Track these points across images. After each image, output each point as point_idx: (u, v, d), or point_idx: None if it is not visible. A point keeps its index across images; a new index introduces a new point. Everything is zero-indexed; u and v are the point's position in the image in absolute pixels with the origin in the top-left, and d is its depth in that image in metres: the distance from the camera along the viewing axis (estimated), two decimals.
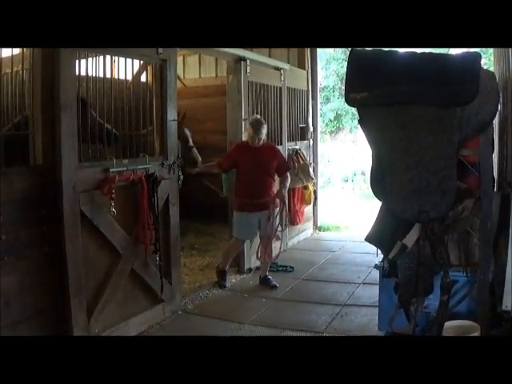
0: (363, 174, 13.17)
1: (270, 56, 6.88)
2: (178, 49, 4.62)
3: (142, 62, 4.47)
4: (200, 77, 7.86)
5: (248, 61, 5.76)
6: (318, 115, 8.50)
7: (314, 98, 8.09)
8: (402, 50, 3.16)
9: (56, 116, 3.32)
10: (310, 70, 7.92)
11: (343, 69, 13.77)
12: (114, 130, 3.94)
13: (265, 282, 5.31)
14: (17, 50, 3.37)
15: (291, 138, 7.12)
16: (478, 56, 2.98)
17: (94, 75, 3.92)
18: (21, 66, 3.31)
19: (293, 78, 7.14)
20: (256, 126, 5.06)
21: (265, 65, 6.35)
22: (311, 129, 7.86)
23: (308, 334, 4.02)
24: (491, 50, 7.62)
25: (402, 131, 3.05)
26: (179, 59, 6.58)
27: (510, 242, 3.03)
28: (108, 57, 3.89)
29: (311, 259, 6.31)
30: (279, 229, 5.40)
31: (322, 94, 14.83)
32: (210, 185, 6.24)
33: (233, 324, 4.27)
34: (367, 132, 3.17)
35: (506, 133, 3.64)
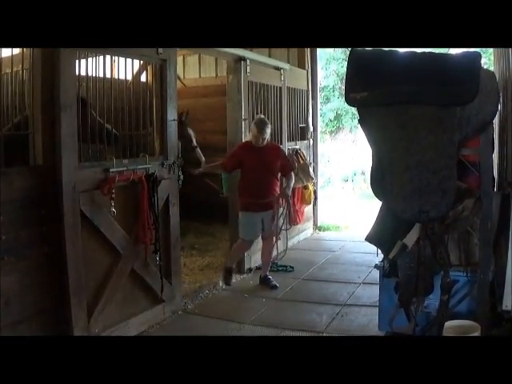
0: (363, 173, 13.18)
1: (269, 56, 6.88)
2: (177, 49, 4.62)
3: (141, 61, 4.47)
4: (200, 77, 7.86)
5: (248, 61, 5.76)
6: (318, 115, 8.50)
7: (314, 97, 8.09)
8: (402, 50, 3.16)
9: (56, 116, 3.32)
10: (309, 70, 7.91)
11: (343, 68, 13.78)
12: (114, 131, 3.95)
13: (265, 282, 5.32)
14: (17, 50, 3.37)
15: (291, 138, 7.12)
16: (478, 56, 2.98)
17: (93, 75, 3.92)
18: (21, 65, 3.31)
19: (293, 78, 7.13)
20: (260, 126, 5.06)
21: (265, 65, 6.35)
22: (311, 128, 7.86)
23: (308, 334, 4.02)
24: (491, 50, 7.62)
25: (403, 131, 3.05)
26: (179, 59, 6.58)
27: (510, 241, 3.03)
28: (108, 57, 3.89)
29: (311, 259, 6.31)
30: (283, 228, 5.42)
31: (322, 94, 14.84)
32: (211, 183, 6.23)
33: (233, 324, 4.27)
34: (367, 132, 3.17)
35: (506, 132, 3.64)
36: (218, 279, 5.40)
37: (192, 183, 5.19)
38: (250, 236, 5.25)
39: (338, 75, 15.52)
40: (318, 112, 8.51)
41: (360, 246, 6.21)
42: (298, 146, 7.10)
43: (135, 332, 3.99)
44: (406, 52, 3.14)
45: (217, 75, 7.68)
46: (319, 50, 8.75)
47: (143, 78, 4.88)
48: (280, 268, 5.80)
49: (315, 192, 7.54)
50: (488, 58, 9.70)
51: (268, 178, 5.17)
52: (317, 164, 8.22)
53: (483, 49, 7.82)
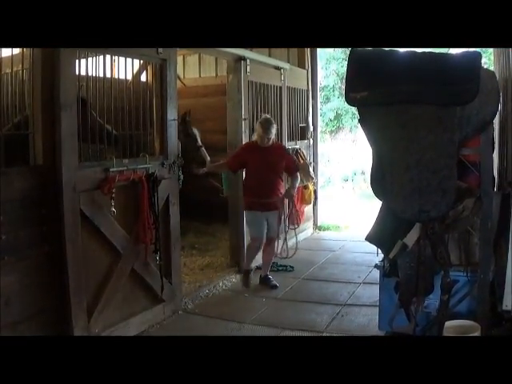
0: (363, 173, 13.18)
1: (269, 55, 6.87)
2: (178, 48, 4.62)
3: (141, 61, 4.47)
4: (200, 76, 7.85)
5: (248, 60, 5.76)
6: (318, 115, 8.50)
7: (314, 97, 8.09)
8: (402, 50, 3.16)
9: (56, 116, 3.32)
10: (310, 70, 7.91)
11: (343, 68, 13.78)
12: (114, 132, 3.94)
13: (265, 282, 5.32)
14: (17, 50, 3.37)
15: (291, 138, 7.12)
16: (479, 55, 2.98)
17: (94, 75, 3.92)
18: (21, 65, 3.31)
19: (293, 78, 7.13)
20: (265, 126, 5.06)
21: (265, 64, 6.35)
22: (311, 128, 7.86)
23: (308, 334, 4.02)
24: (491, 50, 7.61)
25: (403, 130, 3.04)
26: (179, 59, 6.57)
27: (510, 241, 3.03)
28: (108, 56, 3.89)
29: (311, 259, 6.31)
30: (291, 227, 5.44)
31: (322, 94, 14.83)
32: (215, 183, 6.22)
33: (233, 323, 4.27)
34: (367, 131, 3.17)
35: (506, 132, 3.64)
36: (218, 279, 5.40)
37: (192, 183, 5.19)
38: (257, 233, 5.21)
39: (338, 75, 15.52)
40: (318, 112, 8.51)
41: (360, 246, 6.21)
42: (298, 146, 7.10)
43: (135, 332, 3.99)
44: (406, 52, 3.14)
45: (217, 75, 7.67)
46: (319, 50, 8.74)
47: (143, 78, 4.88)
48: (280, 268, 5.81)
49: (315, 192, 7.53)
50: (488, 58, 9.69)
51: (272, 177, 5.16)
52: (317, 164, 8.22)
53: (483, 49, 7.81)
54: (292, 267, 5.84)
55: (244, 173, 5.41)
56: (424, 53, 3.08)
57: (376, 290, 3.90)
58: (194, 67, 7.85)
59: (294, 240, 5.59)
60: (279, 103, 6.73)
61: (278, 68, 6.66)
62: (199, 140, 5.58)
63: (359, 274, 5.61)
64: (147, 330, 4.10)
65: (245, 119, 5.72)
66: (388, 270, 3.45)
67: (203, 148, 5.55)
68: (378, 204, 3.36)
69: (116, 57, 3.99)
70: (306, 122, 7.71)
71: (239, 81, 5.70)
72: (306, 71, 7.79)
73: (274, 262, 5.61)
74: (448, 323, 3.13)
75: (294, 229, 5.60)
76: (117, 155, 3.85)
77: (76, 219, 3.44)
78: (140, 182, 3.91)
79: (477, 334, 2.99)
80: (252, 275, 5.33)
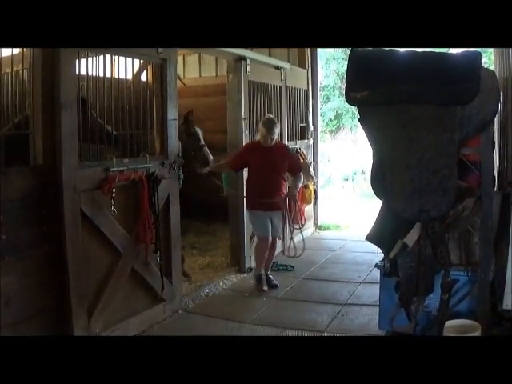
0: (363, 173, 13.19)
1: (270, 55, 6.87)
2: (178, 48, 4.62)
3: (142, 61, 4.47)
4: (200, 76, 7.84)
5: (248, 60, 5.76)
6: (318, 114, 8.49)
7: (314, 97, 8.09)
8: (402, 50, 3.16)
9: (56, 116, 3.32)
10: (310, 69, 7.91)
11: (343, 68, 13.76)
12: (114, 132, 3.94)
13: (265, 281, 5.30)
14: (17, 50, 3.37)
15: (291, 137, 7.11)
16: (479, 55, 2.98)
17: (94, 75, 3.92)
18: (21, 65, 3.31)
19: (293, 77, 7.13)
20: (269, 126, 5.05)
21: (265, 64, 6.34)
22: (311, 128, 7.86)
23: (308, 334, 4.01)
24: (491, 49, 7.61)
25: (403, 130, 3.04)
26: (179, 58, 6.56)
27: (510, 241, 3.03)
28: (108, 56, 3.89)
29: (312, 258, 6.29)
30: (296, 226, 5.43)
31: (322, 93, 14.82)
32: (218, 182, 6.21)
33: (233, 323, 4.27)
34: (368, 131, 3.17)
35: (506, 132, 3.64)
36: (218, 278, 5.40)
37: (192, 182, 5.19)
38: (263, 233, 5.16)
39: (338, 74, 15.51)
40: (319, 111, 8.51)
41: (360, 246, 6.21)
42: (298, 146, 7.09)
43: (135, 331, 3.99)
44: (407, 51, 3.14)
45: (217, 74, 7.66)
46: (319, 50, 8.73)
47: (143, 78, 4.88)
48: (280, 267, 5.80)
49: (315, 191, 7.52)
50: (488, 58, 9.68)
51: (274, 177, 5.16)
52: (317, 163, 8.22)
53: (483, 49, 7.81)
54: (292, 267, 5.83)
55: (246, 172, 5.40)
56: (424, 52, 3.08)
57: (376, 289, 3.90)
58: (194, 67, 7.85)
59: (297, 239, 5.58)
60: (279, 103, 6.73)
61: (278, 68, 6.65)
62: (202, 139, 5.57)
63: (359, 273, 5.60)
64: (147, 329, 4.10)
65: (245, 119, 5.72)
66: (388, 269, 3.45)
67: (206, 147, 5.54)
68: (378, 204, 3.36)
69: (116, 57, 3.99)
70: (306, 121, 7.71)
71: (239, 80, 5.70)
72: (306, 71, 7.78)
73: (274, 262, 5.60)
74: (448, 323, 3.13)
75: (300, 228, 5.59)
76: (117, 155, 3.85)
77: (76, 219, 3.44)
78: (140, 182, 3.91)
79: (477, 333, 2.99)
80: (264, 277, 5.23)
